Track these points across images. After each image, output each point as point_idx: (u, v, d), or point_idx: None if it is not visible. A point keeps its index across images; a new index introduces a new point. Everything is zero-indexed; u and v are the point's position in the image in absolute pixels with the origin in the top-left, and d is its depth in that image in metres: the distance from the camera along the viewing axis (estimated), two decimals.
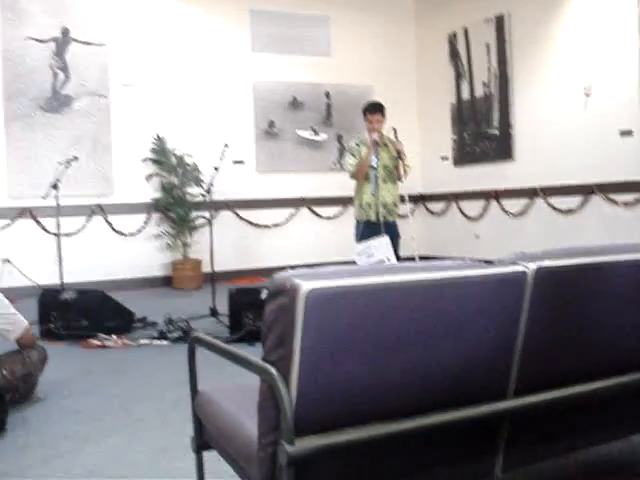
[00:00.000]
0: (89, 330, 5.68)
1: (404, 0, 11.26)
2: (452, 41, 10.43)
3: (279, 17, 10.35)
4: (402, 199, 6.49)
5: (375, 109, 6.44)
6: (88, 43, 9.18)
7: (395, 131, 6.33)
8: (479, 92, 9.97)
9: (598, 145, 8.14)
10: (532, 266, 1.94)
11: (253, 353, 1.88)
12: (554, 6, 8.70)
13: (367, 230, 6.27)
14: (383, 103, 6.53)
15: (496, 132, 9.70)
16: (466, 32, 10.13)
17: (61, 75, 9.05)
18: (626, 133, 7.83)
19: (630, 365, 2.21)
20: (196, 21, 9.85)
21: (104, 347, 5.48)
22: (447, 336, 1.85)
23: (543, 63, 8.94)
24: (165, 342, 5.53)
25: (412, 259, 6.56)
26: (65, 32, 9.05)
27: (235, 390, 2.45)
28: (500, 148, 9.64)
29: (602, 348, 2.18)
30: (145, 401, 4.01)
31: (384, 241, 6.00)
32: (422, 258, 6.65)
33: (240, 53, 10.12)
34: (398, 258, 6.19)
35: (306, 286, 1.61)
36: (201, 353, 2.40)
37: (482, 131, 9.96)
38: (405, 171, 6.40)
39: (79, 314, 5.80)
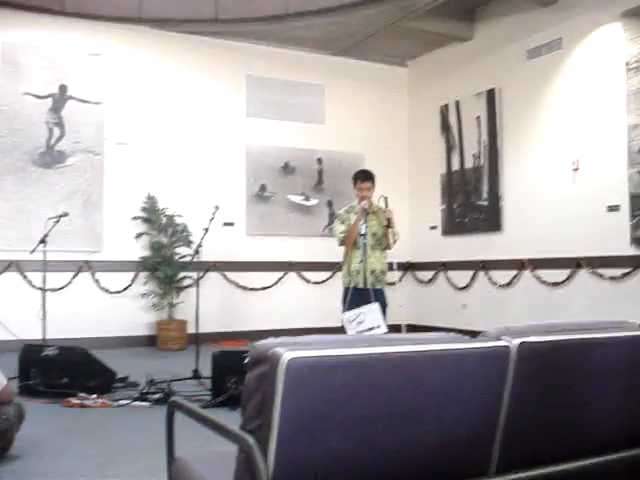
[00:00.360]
0: (69, 388, 5.59)
1: (398, 72, 11.50)
2: (444, 113, 10.61)
3: (275, 84, 10.53)
4: (391, 267, 6.51)
5: (365, 177, 6.53)
6: (85, 101, 9.29)
7: (386, 199, 6.39)
8: (469, 163, 10.10)
9: (586, 219, 8.22)
10: (515, 341, 1.94)
11: (234, 418, 1.85)
12: (544, 81, 8.90)
13: (355, 297, 6.27)
14: (374, 172, 6.62)
15: (485, 203, 9.79)
16: (457, 105, 10.32)
17: (56, 131, 9.13)
18: (613, 208, 7.92)
19: (615, 444, 2.19)
20: (193, 84, 10.02)
21: (83, 406, 5.39)
22: (430, 410, 1.83)
23: (532, 137, 9.09)
24: (145, 404, 5.45)
25: (399, 328, 6.55)
26: (63, 89, 9.17)
27: (212, 457, 2.40)
28: (489, 219, 9.72)
29: (586, 426, 2.16)
30: (121, 465, 3.93)
31: (374, 308, 6.00)
32: (409, 327, 6.64)
33: (235, 117, 10.26)
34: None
35: (287, 355, 1.59)
36: (181, 416, 2.36)
37: (471, 202, 10.05)
38: (394, 239, 6.45)
39: (60, 371, 5.72)
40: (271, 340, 1.70)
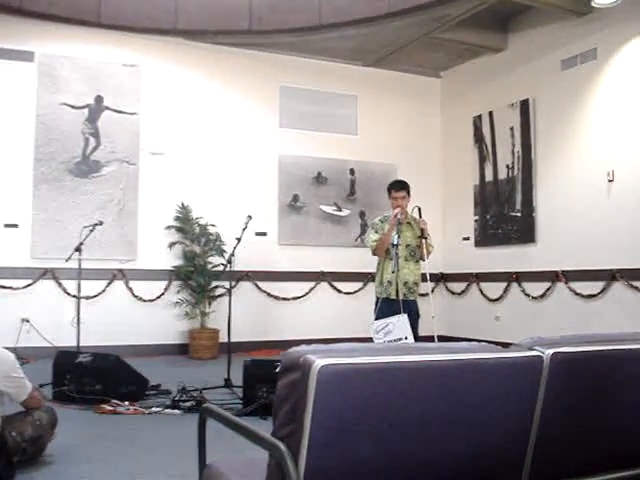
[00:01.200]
0: (102, 394, 5.64)
1: (430, 83, 11.48)
2: (477, 124, 10.57)
3: (308, 95, 10.57)
4: (424, 278, 6.47)
5: (399, 186, 6.53)
6: (120, 111, 9.41)
7: (419, 209, 6.37)
8: (503, 174, 10.04)
9: (621, 231, 8.12)
10: (548, 351, 1.92)
11: (264, 427, 1.86)
12: (579, 91, 8.82)
13: (386, 307, 6.25)
14: (408, 182, 6.61)
15: (519, 215, 9.72)
16: (491, 115, 10.27)
17: (92, 141, 9.26)
18: None
19: None
20: (226, 95, 10.09)
21: (116, 413, 5.44)
22: (461, 419, 1.82)
23: (567, 147, 9.01)
24: (177, 411, 5.48)
25: (431, 339, 6.51)
26: (99, 100, 9.30)
27: (244, 463, 2.41)
28: (522, 230, 9.64)
29: (619, 438, 2.13)
30: (153, 472, 3.95)
31: (403, 319, 5.96)
32: (441, 338, 6.60)
33: (268, 127, 10.32)
34: (417, 337, 6.14)
35: (319, 362, 1.60)
36: (212, 423, 2.37)
37: (505, 213, 9.98)
38: (428, 250, 6.41)
39: (93, 378, 5.77)
40: (303, 347, 1.71)
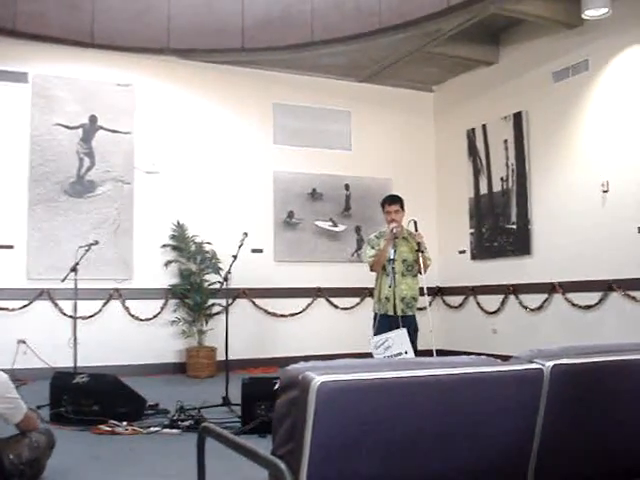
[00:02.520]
0: (100, 415, 5.60)
1: (423, 97, 11.52)
2: (470, 137, 10.59)
3: (301, 111, 10.60)
4: (421, 292, 6.44)
5: (393, 200, 6.53)
6: (115, 131, 9.41)
7: (415, 223, 6.36)
8: (497, 187, 10.05)
9: (616, 241, 8.13)
10: (549, 364, 1.91)
11: (264, 445, 1.84)
12: (571, 103, 8.86)
13: (385, 323, 6.23)
14: (402, 196, 6.61)
15: (514, 227, 9.73)
16: (484, 129, 10.30)
17: (87, 161, 9.25)
18: None
19: None
20: (220, 113, 10.11)
21: (114, 433, 5.40)
22: (462, 433, 1.81)
23: (561, 159, 9.03)
24: (176, 431, 5.44)
25: (430, 353, 6.49)
26: (93, 119, 9.30)
27: None
28: (518, 243, 9.64)
29: (620, 449, 2.12)
30: None
31: (402, 334, 5.95)
32: (439, 352, 6.58)
33: (262, 144, 10.33)
34: (416, 352, 6.12)
35: (318, 379, 1.59)
36: (212, 442, 2.35)
37: (500, 226, 9.99)
38: (426, 264, 6.39)
39: (91, 398, 5.73)
40: (301, 364, 1.70)
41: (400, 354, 5.83)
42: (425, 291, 6.36)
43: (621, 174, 8.18)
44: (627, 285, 7.97)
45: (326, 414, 1.59)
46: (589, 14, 8.06)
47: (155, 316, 9.36)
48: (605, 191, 8.33)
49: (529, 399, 1.90)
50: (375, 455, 1.69)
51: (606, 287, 8.20)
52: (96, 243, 7.93)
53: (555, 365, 1.91)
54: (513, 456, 1.90)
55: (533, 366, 1.91)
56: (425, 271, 6.39)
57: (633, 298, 7.90)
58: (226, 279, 6.96)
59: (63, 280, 7.40)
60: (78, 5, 8.99)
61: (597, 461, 2.07)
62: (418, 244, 6.32)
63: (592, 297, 8.37)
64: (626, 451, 2.13)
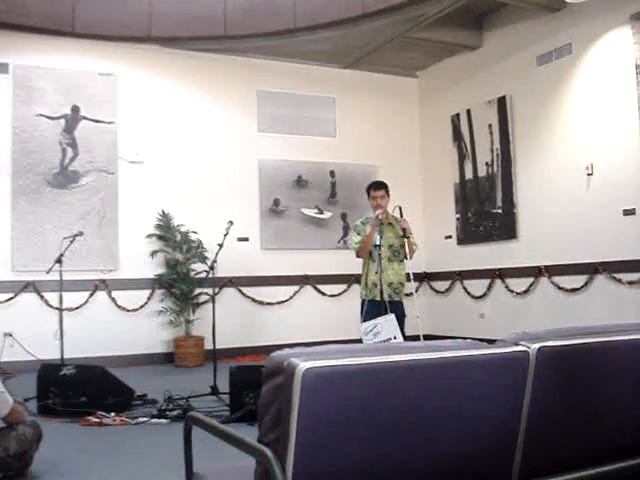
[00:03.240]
0: (88, 406, 5.59)
1: (408, 83, 11.50)
2: (455, 122, 10.59)
3: (285, 98, 10.56)
4: (408, 278, 6.46)
5: (378, 186, 6.54)
6: (97, 121, 9.34)
7: (400, 209, 6.37)
8: (482, 172, 10.07)
9: (602, 224, 8.17)
10: (534, 346, 1.91)
11: (252, 433, 1.83)
12: (555, 87, 8.87)
13: (372, 309, 6.24)
14: (387, 182, 6.61)
15: (500, 211, 9.75)
16: (469, 113, 10.30)
17: (70, 151, 9.19)
18: (629, 212, 7.86)
19: (638, 448, 2.15)
20: (203, 101, 10.06)
21: (102, 425, 5.39)
22: (449, 417, 1.81)
23: (545, 143, 9.05)
24: (164, 421, 5.43)
25: (417, 338, 6.50)
26: (75, 110, 9.23)
27: (231, 472, 2.38)
28: (504, 227, 9.67)
29: (608, 430, 2.12)
30: None
31: (390, 319, 5.95)
32: (426, 337, 6.60)
33: (246, 132, 10.29)
34: (404, 337, 6.13)
35: (303, 365, 1.58)
36: (200, 431, 2.34)
37: (486, 210, 10.01)
38: (412, 249, 6.41)
39: (78, 390, 5.71)
40: (286, 351, 1.69)
41: (389, 339, 5.84)
42: (412, 277, 6.37)
43: (605, 157, 8.21)
44: (612, 268, 8.02)
45: (312, 400, 1.58)
46: None
47: (142, 306, 9.33)
48: (590, 174, 8.36)
49: (515, 382, 1.89)
50: (361, 440, 1.68)
51: (592, 270, 8.25)
52: (81, 234, 7.89)
53: (541, 347, 1.91)
54: (501, 438, 1.91)
55: (519, 348, 1.91)
56: (411, 256, 6.41)
57: (619, 280, 7.95)
58: (212, 268, 6.93)
59: (48, 272, 7.36)
60: None
61: (585, 441, 2.07)
62: (403, 230, 6.33)
63: (578, 280, 8.42)
64: (613, 431, 2.13)
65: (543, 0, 8.66)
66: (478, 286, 10.07)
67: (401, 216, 6.39)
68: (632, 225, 7.83)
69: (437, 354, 1.79)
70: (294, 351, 1.68)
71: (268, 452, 1.63)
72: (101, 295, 9.17)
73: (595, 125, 8.36)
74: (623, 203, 7.93)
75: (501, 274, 9.65)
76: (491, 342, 1.97)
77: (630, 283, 7.82)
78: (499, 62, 9.81)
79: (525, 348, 1.91)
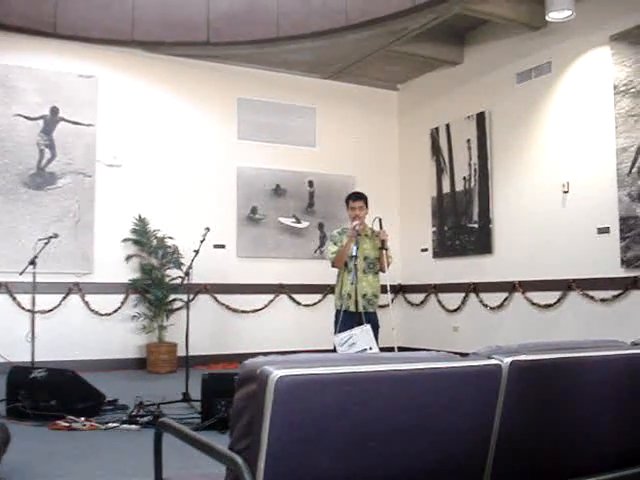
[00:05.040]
0: (57, 410, 5.53)
1: (388, 95, 11.56)
2: (434, 136, 10.66)
3: (266, 107, 10.57)
4: (384, 289, 6.46)
5: (357, 197, 6.56)
6: (76, 123, 9.29)
7: (380, 221, 6.37)
8: (460, 186, 10.13)
9: (576, 241, 8.25)
10: (507, 360, 1.92)
11: (223, 441, 1.82)
12: (534, 104, 8.96)
13: (346, 319, 6.23)
14: (365, 194, 6.63)
15: (476, 226, 9.81)
16: (448, 128, 10.37)
17: (47, 153, 9.12)
18: (603, 230, 7.95)
19: (608, 463, 2.17)
20: (184, 107, 10.04)
21: (71, 429, 5.33)
22: (421, 429, 1.81)
23: (523, 159, 9.13)
24: (134, 427, 5.39)
25: (392, 350, 6.51)
26: (54, 111, 9.17)
27: (201, 478, 2.37)
28: (479, 242, 9.73)
29: (579, 444, 2.14)
30: None
31: (366, 330, 5.95)
32: (400, 349, 6.61)
33: (226, 139, 10.28)
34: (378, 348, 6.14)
35: (276, 373, 1.57)
36: (170, 438, 2.33)
37: (462, 225, 10.07)
38: (388, 262, 6.42)
39: (48, 394, 5.65)
40: (260, 358, 1.68)
41: (365, 350, 5.84)
42: (388, 289, 6.37)
43: (581, 175, 8.30)
44: (585, 285, 8.09)
45: (284, 409, 1.58)
46: (553, 16, 8.15)
47: (115, 311, 9.27)
48: (565, 192, 8.45)
49: (487, 395, 1.90)
50: (333, 450, 1.68)
51: (565, 286, 8.32)
52: (56, 236, 7.83)
53: (513, 361, 1.92)
54: (471, 451, 1.91)
55: (491, 362, 1.92)
56: (387, 269, 6.43)
57: (591, 297, 8.02)
58: (188, 274, 6.90)
59: (21, 273, 7.29)
60: None
61: (555, 458, 2.08)
62: (382, 242, 6.34)
63: (551, 296, 8.49)
64: (585, 446, 2.15)
65: (524, 18, 8.75)
66: (453, 300, 10.11)
67: (380, 228, 6.39)
68: (606, 243, 7.91)
69: (411, 365, 1.80)
70: (268, 359, 1.68)
71: (239, 460, 1.62)
72: (74, 298, 9.10)
73: (572, 143, 8.45)
74: (598, 221, 8.02)
75: (476, 288, 9.70)
76: (464, 355, 1.98)
77: (602, 300, 7.89)
78: (479, 78, 9.89)
79: (498, 362, 1.92)
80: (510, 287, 9.11)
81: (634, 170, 7.68)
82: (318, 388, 1.63)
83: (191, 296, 8.45)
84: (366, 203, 6.54)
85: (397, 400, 1.76)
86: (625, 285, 7.69)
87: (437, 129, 10.60)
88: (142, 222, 9.43)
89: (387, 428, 1.75)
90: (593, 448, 2.16)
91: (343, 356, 2.22)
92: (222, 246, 9.93)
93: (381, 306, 6.64)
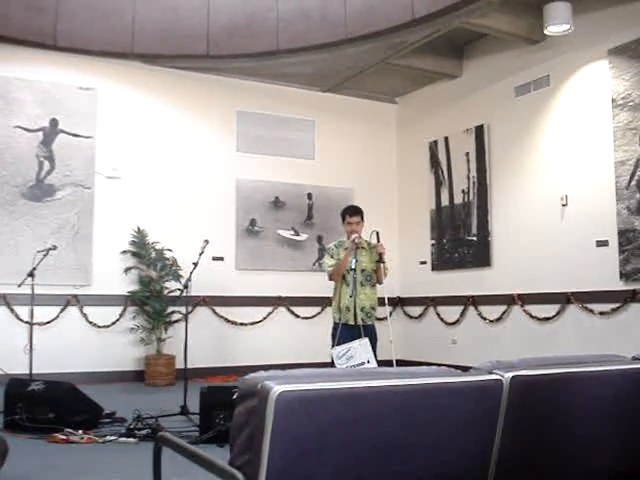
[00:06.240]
0: (55, 423, 5.50)
1: (387, 108, 11.59)
2: (433, 149, 10.68)
3: (265, 119, 10.59)
4: (383, 302, 6.45)
5: (354, 211, 6.56)
6: (76, 135, 9.29)
7: (378, 234, 6.37)
8: (458, 199, 10.14)
9: (575, 254, 8.25)
10: (508, 375, 1.92)
11: (221, 455, 1.82)
12: (532, 118, 8.98)
13: (346, 333, 6.21)
14: (362, 207, 6.64)
15: (474, 239, 9.81)
16: (447, 141, 10.39)
17: (46, 164, 9.12)
18: (602, 243, 7.95)
19: (608, 478, 2.17)
20: (183, 119, 10.05)
21: (69, 442, 5.31)
22: (422, 444, 1.81)
23: (521, 172, 9.15)
24: (132, 440, 5.37)
25: (390, 363, 6.50)
26: (54, 123, 9.18)
27: None
28: (478, 254, 9.73)
29: (579, 459, 2.13)
30: None
31: (364, 343, 5.94)
32: (399, 362, 6.59)
33: (225, 152, 10.29)
34: (376, 362, 6.12)
35: (277, 389, 1.57)
36: (169, 452, 2.32)
37: (461, 237, 10.07)
38: (385, 274, 6.44)
39: (46, 406, 5.63)
40: (260, 373, 1.68)
41: (363, 364, 5.83)
42: (386, 301, 6.38)
43: (580, 189, 8.31)
44: (584, 298, 8.09)
45: (285, 424, 1.58)
46: (551, 30, 8.19)
47: (114, 323, 9.24)
48: (564, 205, 8.46)
49: (488, 410, 1.90)
50: (333, 466, 1.67)
51: (564, 300, 8.31)
52: (54, 248, 7.81)
53: (514, 376, 1.92)
54: (473, 466, 1.91)
55: (492, 377, 1.91)
56: (383, 282, 6.45)
57: (590, 311, 8.01)
58: (186, 287, 6.89)
59: (20, 285, 7.27)
60: (41, 7, 8.85)
61: (557, 471, 2.08)
62: (379, 255, 6.34)
63: (550, 309, 8.48)
64: (585, 461, 2.14)
65: (523, 32, 8.79)
66: (451, 312, 10.10)
67: (378, 241, 6.39)
68: (605, 256, 7.92)
69: (411, 380, 1.80)
70: (268, 374, 1.67)
71: (239, 475, 1.62)
72: (73, 310, 9.08)
73: (571, 157, 8.46)
74: (596, 234, 8.02)
75: (474, 301, 9.70)
76: (463, 369, 1.98)
77: (601, 314, 7.89)
78: (478, 91, 9.92)
79: (499, 377, 1.91)
80: (509, 300, 9.11)
81: (632, 183, 7.70)
82: (319, 404, 1.63)
83: (190, 308, 8.44)
84: (362, 217, 6.55)
85: (397, 415, 1.75)
86: (624, 298, 7.68)
87: (436, 142, 10.62)
88: (141, 234, 9.43)
89: (388, 443, 1.74)
90: (594, 463, 2.16)
91: (343, 371, 2.21)
92: (221, 258, 9.92)
93: (379, 319, 6.64)
